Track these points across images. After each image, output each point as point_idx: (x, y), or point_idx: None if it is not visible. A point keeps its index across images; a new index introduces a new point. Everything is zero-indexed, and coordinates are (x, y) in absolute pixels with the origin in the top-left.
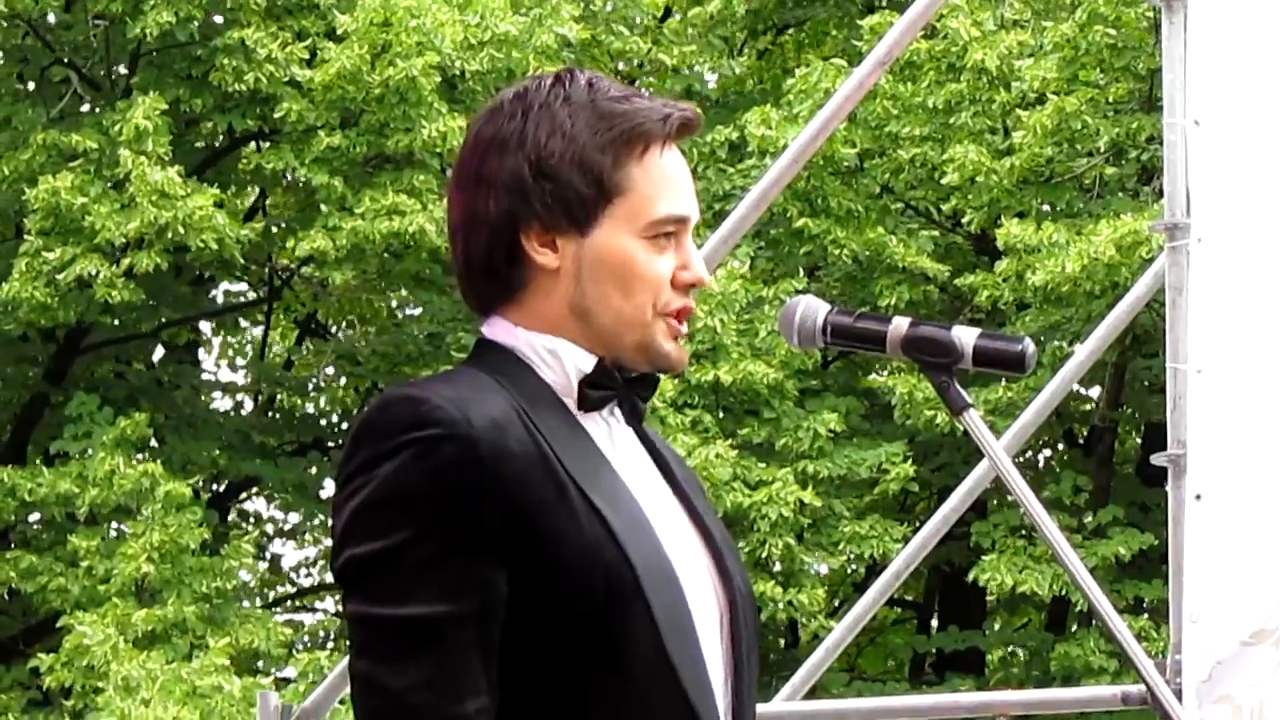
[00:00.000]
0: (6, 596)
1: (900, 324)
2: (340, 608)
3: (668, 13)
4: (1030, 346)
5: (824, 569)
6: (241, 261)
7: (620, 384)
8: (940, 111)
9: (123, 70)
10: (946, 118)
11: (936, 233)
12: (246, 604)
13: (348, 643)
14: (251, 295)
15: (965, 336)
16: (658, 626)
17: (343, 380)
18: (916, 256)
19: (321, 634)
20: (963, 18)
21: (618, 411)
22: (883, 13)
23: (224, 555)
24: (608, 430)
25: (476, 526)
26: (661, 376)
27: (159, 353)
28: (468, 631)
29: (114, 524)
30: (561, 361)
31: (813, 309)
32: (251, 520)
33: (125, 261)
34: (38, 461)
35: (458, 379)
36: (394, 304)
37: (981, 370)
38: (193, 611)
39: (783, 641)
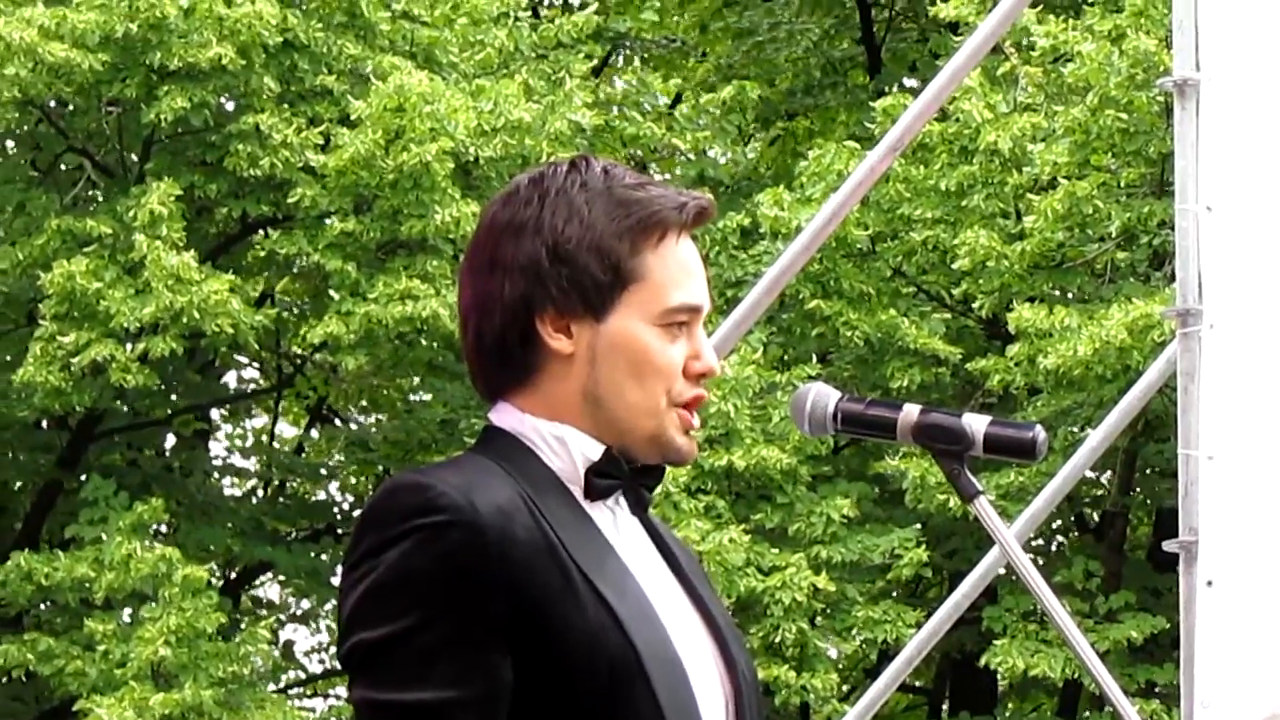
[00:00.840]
0: (24, 679)
1: (911, 411)
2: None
3: (678, 99)
4: (1041, 434)
5: (834, 653)
6: (255, 347)
7: (626, 474)
8: (953, 194)
9: (135, 156)
10: (959, 200)
11: (948, 316)
12: (260, 688)
13: None
14: (263, 381)
15: (976, 424)
16: (662, 713)
17: (354, 467)
18: (929, 339)
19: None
20: (976, 100)
21: (623, 500)
22: (895, 95)
23: (240, 640)
24: (613, 518)
25: (482, 612)
26: (670, 467)
27: (170, 439)
28: (472, 717)
29: (128, 609)
30: (569, 449)
31: (824, 396)
32: (265, 606)
33: (140, 346)
34: (53, 547)
35: (464, 466)
36: (407, 390)
37: (993, 457)
38: (210, 695)
39: None
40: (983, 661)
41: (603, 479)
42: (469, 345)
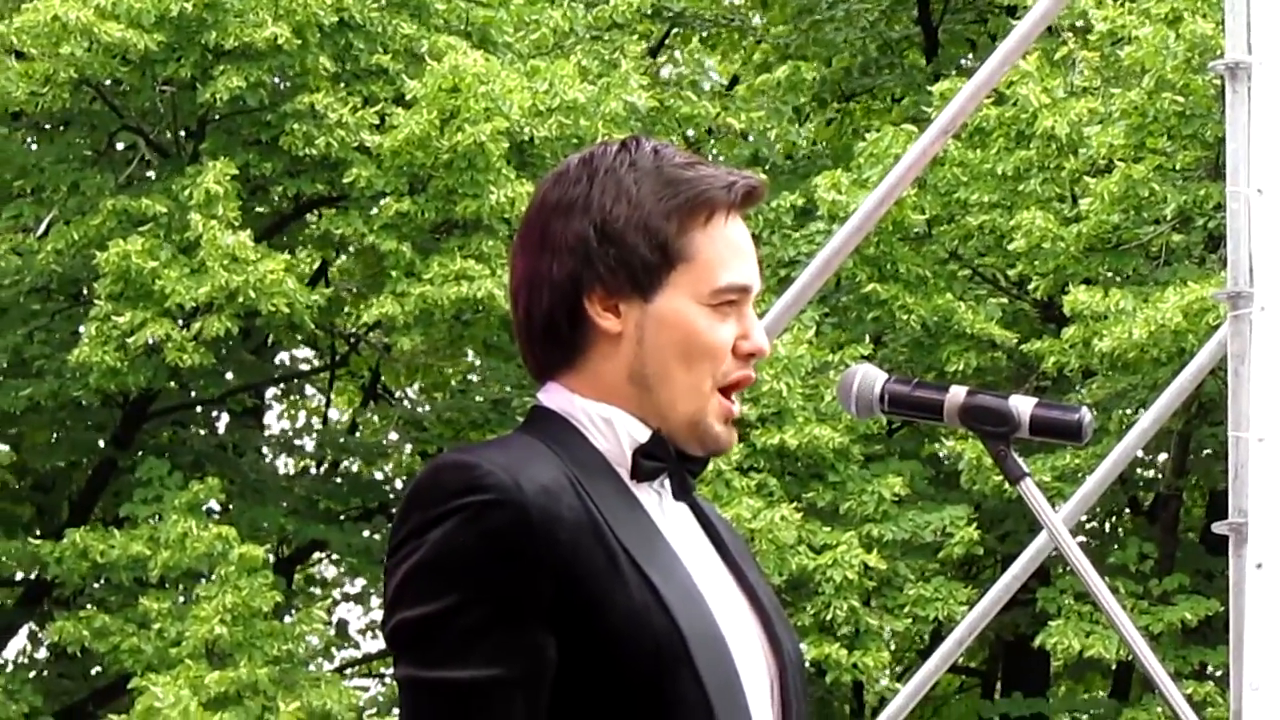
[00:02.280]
0: (78, 656)
1: (958, 393)
2: None
3: (734, 81)
4: (1087, 416)
5: (888, 632)
6: (310, 327)
7: (673, 457)
8: (1009, 178)
9: (190, 135)
10: (1015, 184)
11: (1004, 299)
12: (313, 668)
13: (400, 707)
14: (317, 360)
15: (1022, 406)
16: (706, 693)
17: (407, 446)
18: (985, 323)
19: (382, 701)
20: (1033, 85)
21: (668, 483)
22: (952, 79)
23: (295, 620)
24: (658, 500)
25: (526, 592)
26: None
27: (224, 418)
28: (516, 696)
29: (182, 587)
30: (615, 430)
31: (870, 378)
32: (318, 585)
33: (195, 326)
34: (106, 525)
35: (510, 445)
36: (460, 370)
37: (1039, 440)
38: (264, 674)
39: (848, 708)
40: (1037, 642)
41: (649, 461)
42: (519, 324)
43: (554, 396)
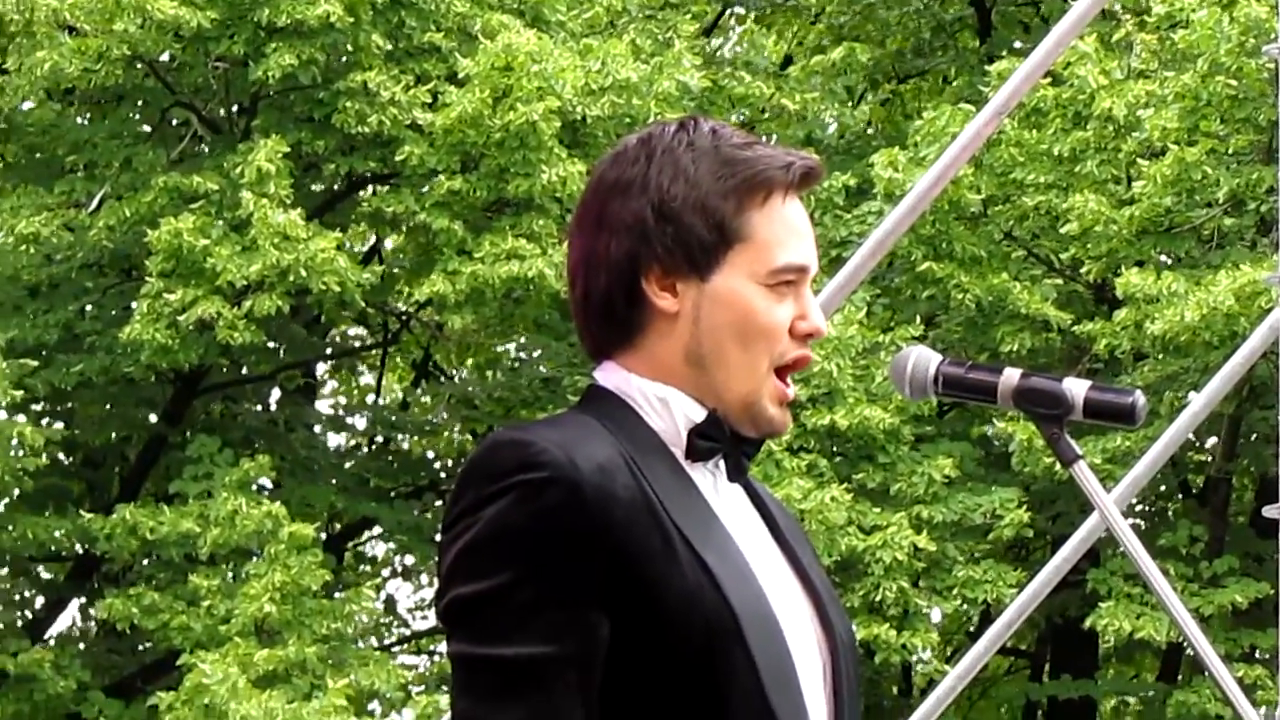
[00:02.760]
0: (127, 632)
1: (1011, 376)
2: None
3: (788, 61)
4: (1140, 399)
5: (937, 615)
6: (361, 305)
7: (728, 438)
8: (1065, 159)
9: (242, 112)
10: (1071, 166)
11: (1059, 281)
12: (362, 645)
13: (451, 683)
14: (368, 338)
15: (1076, 389)
16: (759, 673)
17: (458, 424)
18: (1039, 304)
19: (430, 678)
20: (1090, 66)
21: (722, 465)
22: (1009, 59)
23: (345, 598)
24: (713, 481)
25: (580, 570)
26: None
27: (275, 395)
28: (569, 674)
29: (232, 564)
30: (671, 410)
31: (924, 360)
32: (368, 563)
33: (246, 304)
34: (156, 501)
35: (565, 423)
36: (512, 348)
37: (1093, 423)
38: (313, 652)
39: (896, 688)
40: (1088, 623)
41: (704, 441)
42: (576, 303)
43: (610, 375)
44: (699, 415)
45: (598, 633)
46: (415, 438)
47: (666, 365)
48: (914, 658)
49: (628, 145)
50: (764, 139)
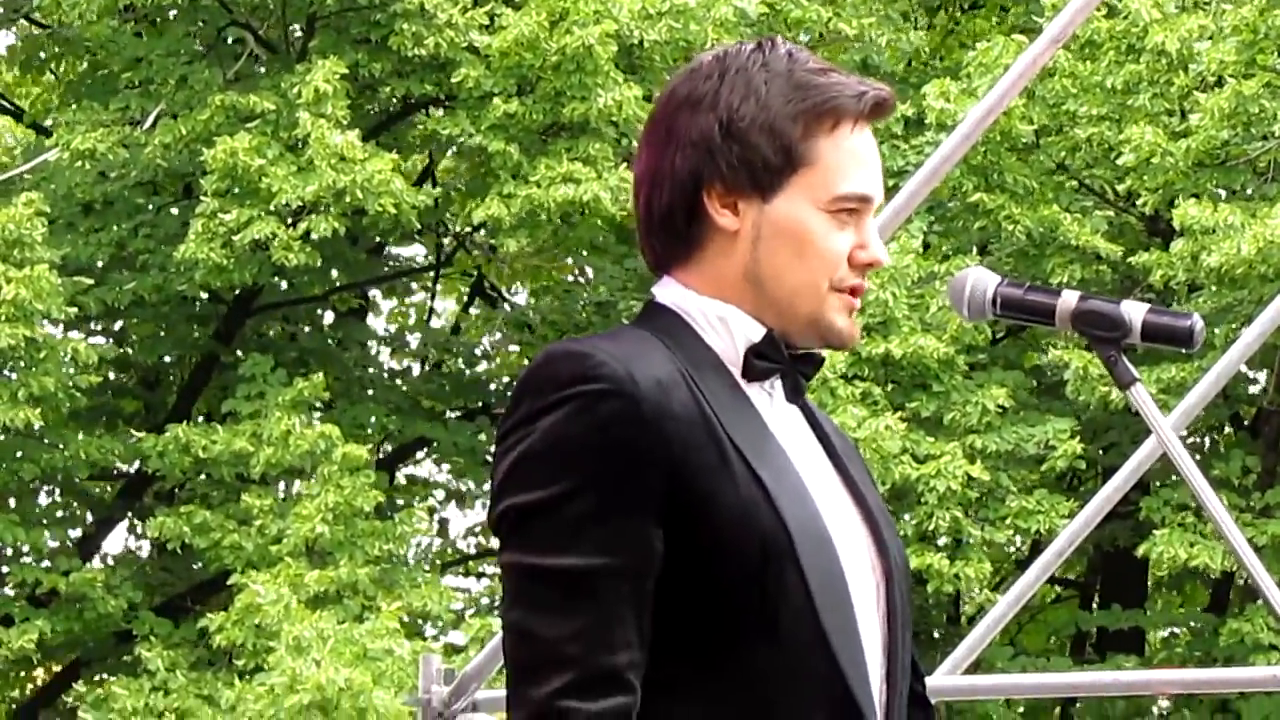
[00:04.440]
0: (179, 551)
1: (1069, 298)
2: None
3: None
4: (1199, 323)
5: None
6: (417, 227)
7: (786, 358)
8: (1119, 92)
9: (300, 32)
10: (1124, 98)
11: (1110, 212)
12: (414, 567)
13: (503, 593)
14: (423, 260)
15: (1134, 312)
16: (810, 590)
17: (513, 347)
18: (1091, 236)
19: (485, 600)
20: None
21: (779, 385)
22: None
23: (397, 520)
24: (769, 400)
25: (636, 483)
26: (828, 353)
27: (329, 316)
28: (623, 586)
29: (284, 484)
30: (730, 329)
31: (983, 281)
32: (419, 484)
33: (302, 225)
34: (208, 421)
35: (624, 338)
36: (567, 271)
37: (1150, 346)
38: (365, 574)
39: (945, 616)
40: (1141, 551)
41: (761, 361)
42: (640, 214)
43: (670, 291)
44: (757, 335)
45: (653, 545)
46: (468, 360)
47: (726, 283)
48: (965, 588)
49: (703, 61)
50: (840, 68)
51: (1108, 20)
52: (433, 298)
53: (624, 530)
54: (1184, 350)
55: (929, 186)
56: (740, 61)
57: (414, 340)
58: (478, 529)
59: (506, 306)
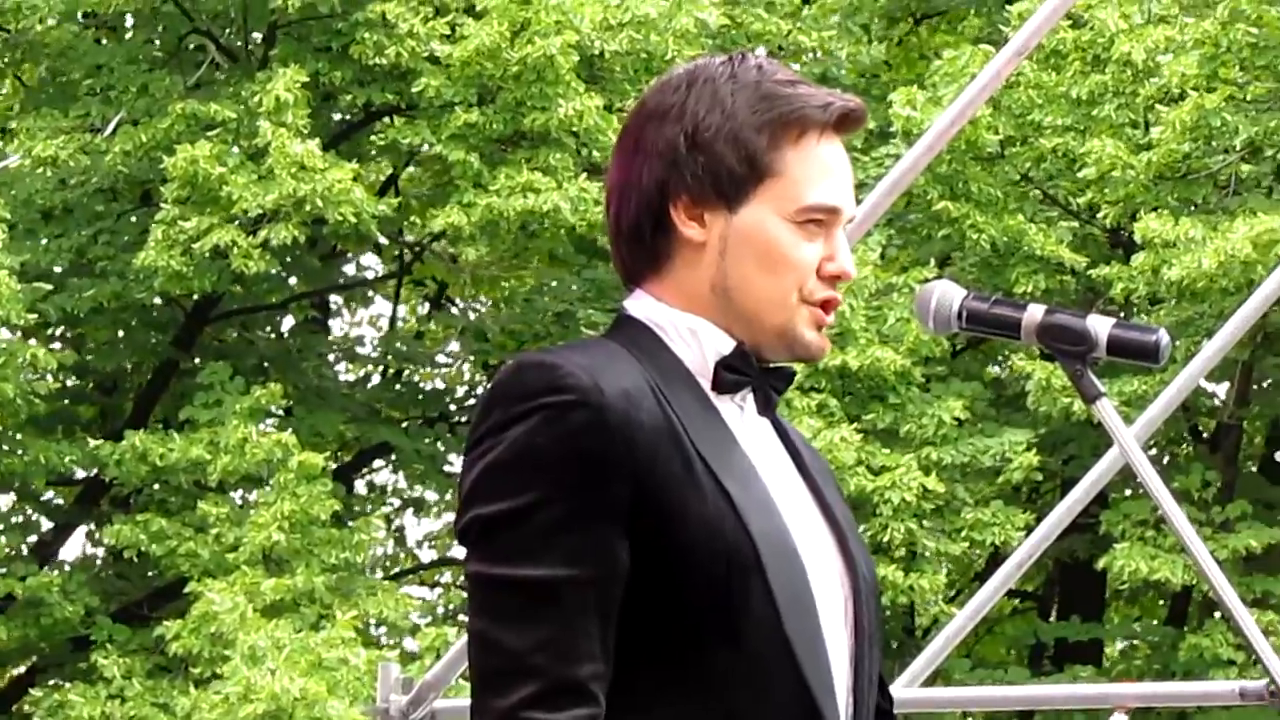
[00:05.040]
0: (134, 560)
1: (1035, 311)
2: (461, 581)
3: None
4: (1165, 337)
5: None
6: (377, 236)
7: (756, 371)
8: (1084, 102)
9: (260, 40)
10: (1089, 109)
11: (1074, 224)
12: (371, 575)
13: (467, 604)
14: (382, 268)
15: (1100, 325)
16: (776, 603)
17: (469, 356)
18: (1055, 246)
19: (441, 609)
20: (1111, 9)
21: (751, 399)
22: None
23: (353, 528)
24: (740, 414)
25: (603, 493)
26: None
27: (288, 323)
28: (588, 597)
29: (241, 492)
30: (700, 341)
31: (949, 294)
32: (377, 493)
33: (262, 233)
34: (166, 428)
35: (593, 349)
36: (525, 281)
37: (1115, 360)
38: (321, 581)
39: (901, 627)
40: (1101, 564)
41: (731, 373)
42: (610, 225)
43: (640, 304)
44: (727, 347)
45: (618, 556)
46: (426, 369)
47: (695, 295)
48: (920, 600)
49: (674, 74)
50: (809, 81)
51: (1074, 30)
52: (394, 307)
53: (590, 541)
54: (1150, 365)
55: (891, 198)
56: (709, 73)
57: (372, 349)
58: (435, 537)
59: (469, 314)
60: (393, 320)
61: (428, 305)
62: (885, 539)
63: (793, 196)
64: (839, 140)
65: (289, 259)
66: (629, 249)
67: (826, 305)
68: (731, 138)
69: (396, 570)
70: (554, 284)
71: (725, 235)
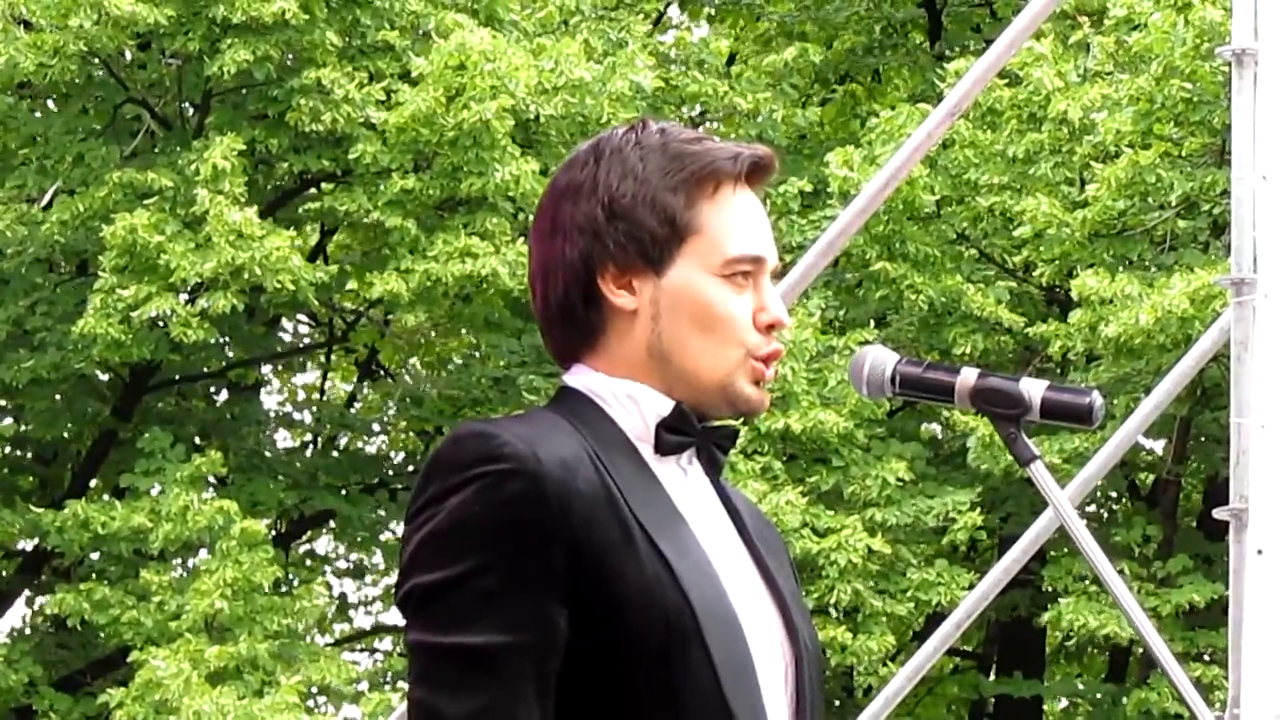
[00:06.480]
0: (78, 628)
1: (969, 375)
2: (402, 647)
3: (731, 59)
4: (1098, 400)
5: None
6: (315, 303)
7: (697, 430)
8: (1020, 161)
9: (196, 109)
10: (1025, 167)
11: (1011, 283)
12: (314, 640)
13: (408, 672)
14: (316, 336)
15: (1033, 389)
16: (716, 671)
17: (405, 422)
18: (992, 305)
19: (379, 675)
20: (1046, 67)
21: (696, 461)
22: (965, 57)
23: (295, 595)
24: (682, 477)
25: (540, 561)
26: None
27: (224, 393)
28: (526, 664)
29: (182, 560)
30: (640, 406)
31: (882, 359)
32: (314, 560)
33: (200, 301)
34: (106, 496)
35: (531, 419)
36: (462, 346)
37: (1050, 423)
38: (264, 648)
39: (841, 687)
40: (1045, 619)
41: (673, 435)
42: (538, 310)
43: (579, 377)
44: (667, 409)
45: (556, 623)
46: (362, 436)
47: (632, 362)
48: (866, 660)
49: (580, 152)
50: (713, 136)
51: (1010, 89)
52: (324, 375)
53: (528, 609)
54: (1083, 428)
55: (827, 258)
56: (614, 144)
57: (307, 416)
58: (371, 602)
59: (406, 379)
60: (322, 388)
61: (357, 373)
62: (831, 601)
63: (716, 251)
64: (752, 191)
65: (225, 326)
66: (562, 328)
67: (769, 359)
68: (648, 202)
69: (338, 637)
70: (492, 349)
71: (656, 299)
